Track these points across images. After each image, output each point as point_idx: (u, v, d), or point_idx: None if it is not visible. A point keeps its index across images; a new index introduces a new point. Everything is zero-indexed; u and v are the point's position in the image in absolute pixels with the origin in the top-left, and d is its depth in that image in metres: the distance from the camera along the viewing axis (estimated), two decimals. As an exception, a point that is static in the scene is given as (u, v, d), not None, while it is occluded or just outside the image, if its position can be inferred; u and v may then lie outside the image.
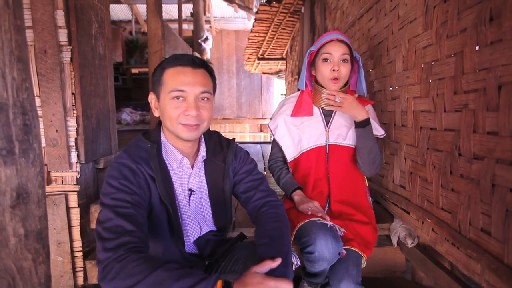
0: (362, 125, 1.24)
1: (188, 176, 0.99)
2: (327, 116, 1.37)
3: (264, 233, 0.91)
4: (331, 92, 1.26)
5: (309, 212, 1.18)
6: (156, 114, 0.96)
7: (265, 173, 2.52)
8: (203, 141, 1.04)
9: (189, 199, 1.00)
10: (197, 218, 1.02)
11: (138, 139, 0.96)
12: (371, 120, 1.33)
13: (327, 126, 1.35)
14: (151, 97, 0.96)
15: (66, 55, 1.37)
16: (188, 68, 0.89)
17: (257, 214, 1.00)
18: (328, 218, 1.16)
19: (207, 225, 1.05)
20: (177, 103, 0.89)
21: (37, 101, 1.35)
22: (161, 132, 0.98)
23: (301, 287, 1.33)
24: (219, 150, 1.05)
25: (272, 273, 0.77)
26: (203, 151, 1.02)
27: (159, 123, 1.00)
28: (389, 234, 1.54)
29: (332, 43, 1.25)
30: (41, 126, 1.36)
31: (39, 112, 1.35)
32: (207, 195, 1.03)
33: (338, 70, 1.24)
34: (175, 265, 0.74)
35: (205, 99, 0.92)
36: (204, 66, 0.94)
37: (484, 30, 0.88)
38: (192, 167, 1.00)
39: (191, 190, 0.99)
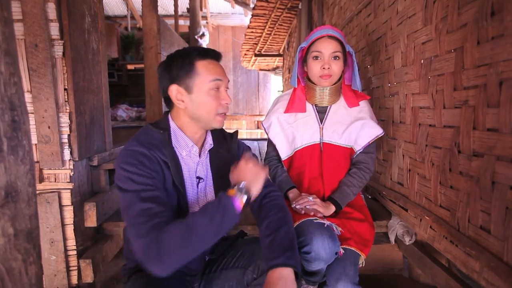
0: (340, 207, 1.25)
1: (195, 164, 1.01)
2: (321, 113, 1.34)
3: (270, 224, 0.94)
4: (298, 204, 1.22)
5: (303, 212, 1.17)
6: (182, 106, 0.96)
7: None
8: (209, 131, 1.07)
9: (197, 187, 1.01)
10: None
11: (147, 127, 0.98)
12: (368, 119, 1.31)
13: (321, 123, 1.33)
14: (175, 89, 0.94)
15: (58, 50, 1.34)
16: (216, 62, 0.98)
17: (260, 204, 1.02)
18: (320, 214, 1.15)
19: None
20: (216, 93, 0.95)
21: (29, 96, 1.31)
22: (170, 120, 1.00)
23: (299, 284, 1.32)
24: (223, 141, 1.08)
25: (280, 260, 0.83)
26: (210, 140, 1.05)
27: (166, 112, 1.03)
28: (387, 232, 1.54)
29: (323, 40, 1.22)
30: (33, 122, 1.32)
31: (31, 108, 1.32)
32: (211, 184, 1.05)
33: (328, 68, 1.22)
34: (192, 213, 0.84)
35: (227, 89, 1.00)
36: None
37: (485, 25, 0.86)
38: (199, 156, 1.02)
39: (199, 178, 1.01)
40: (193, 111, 0.95)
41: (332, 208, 1.22)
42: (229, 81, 0.99)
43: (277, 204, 1.00)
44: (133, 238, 0.79)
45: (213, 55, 0.96)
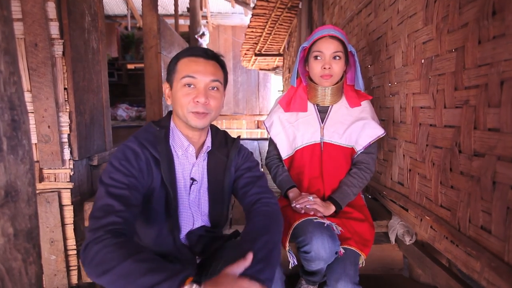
0: (340, 207, 1.25)
1: (191, 165, 1.00)
2: (323, 112, 1.34)
3: (251, 230, 0.90)
4: (299, 203, 1.21)
5: (303, 211, 1.17)
6: (169, 102, 1.00)
7: (261, 169, 2.50)
8: (210, 133, 1.06)
9: (190, 188, 1.00)
10: (192, 210, 1.02)
11: (148, 125, 0.99)
12: (370, 119, 1.31)
13: (322, 123, 1.33)
14: (165, 87, 1.00)
15: (58, 49, 1.33)
16: (201, 58, 0.94)
17: (250, 210, 0.99)
18: (319, 214, 1.15)
19: (201, 219, 1.05)
20: (188, 90, 0.92)
21: (28, 96, 1.31)
22: (171, 119, 1.01)
23: (299, 284, 1.32)
24: (223, 145, 1.06)
25: (249, 271, 0.76)
26: (208, 142, 1.03)
27: (170, 111, 1.04)
28: (387, 231, 1.54)
29: (324, 39, 1.22)
30: (33, 122, 1.32)
31: (30, 107, 1.32)
32: (206, 187, 1.03)
33: (329, 68, 1.22)
34: (147, 255, 0.71)
35: (215, 88, 0.95)
36: (216, 58, 0.98)
37: (487, 24, 0.86)
38: (196, 157, 1.01)
39: (192, 179, 1.00)
40: (173, 106, 0.97)
41: (332, 208, 1.22)
42: (215, 80, 0.93)
43: (265, 211, 0.96)
44: (87, 230, 0.77)
45: (196, 52, 0.94)
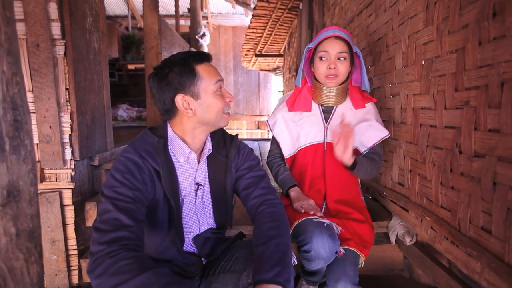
0: (352, 168, 1.21)
1: (195, 171, 1.00)
2: (327, 112, 1.35)
3: (261, 234, 0.90)
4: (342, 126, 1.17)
5: (302, 211, 1.17)
6: (191, 114, 0.93)
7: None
8: (209, 135, 1.04)
9: (196, 193, 1.00)
10: (198, 215, 1.02)
11: (144, 133, 0.96)
12: (374, 121, 1.31)
13: (326, 123, 1.33)
14: (182, 99, 0.92)
15: (60, 49, 1.34)
16: (209, 62, 0.97)
17: (255, 213, 0.99)
18: (319, 214, 1.15)
19: (207, 222, 1.05)
20: (220, 94, 0.96)
21: (30, 96, 1.32)
22: (168, 128, 0.98)
23: (299, 285, 1.32)
24: (222, 146, 1.05)
25: (268, 276, 0.77)
26: (209, 145, 1.03)
27: (165, 120, 1.01)
28: (387, 232, 1.54)
29: (329, 40, 1.23)
30: (34, 122, 1.33)
31: (32, 108, 1.33)
32: (208, 190, 1.03)
33: (334, 68, 1.22)
34: (166, 270, 0.73)
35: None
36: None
37: (487, 25, 0.86)
38: (198, 162, 1.00)
39: (198, 184, 1.00)
40: (203, 115, 0.94)
41: (347, 158, 1.17)
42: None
43: (271, 213, 0.96)
44: (93, 244, 0.75)
45: (207, 58, 0.96)
